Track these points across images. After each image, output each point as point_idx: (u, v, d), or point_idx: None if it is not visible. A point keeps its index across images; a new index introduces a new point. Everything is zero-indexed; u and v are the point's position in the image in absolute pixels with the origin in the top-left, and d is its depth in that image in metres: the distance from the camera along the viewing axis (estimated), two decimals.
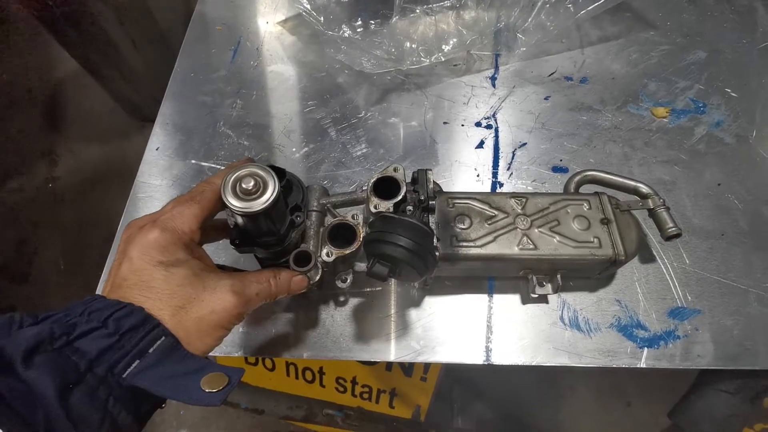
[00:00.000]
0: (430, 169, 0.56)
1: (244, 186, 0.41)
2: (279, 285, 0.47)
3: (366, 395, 1.23)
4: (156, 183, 0.72)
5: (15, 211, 2.01)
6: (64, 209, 2.02)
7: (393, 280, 0.62)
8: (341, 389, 1.23)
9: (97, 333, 0.34)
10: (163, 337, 0.36)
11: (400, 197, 0.50)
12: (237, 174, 0.42)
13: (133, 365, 0.34)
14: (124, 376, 0.33)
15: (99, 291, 0.62)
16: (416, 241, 0.46)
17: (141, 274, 0.38)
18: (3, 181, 2.08)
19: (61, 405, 0.30)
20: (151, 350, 0.35)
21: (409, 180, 0.57)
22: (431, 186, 0.55)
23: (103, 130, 2.17)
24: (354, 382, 1.18)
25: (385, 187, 0.51)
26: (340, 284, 0.55)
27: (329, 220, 0.55)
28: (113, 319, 0.35)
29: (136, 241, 0.40)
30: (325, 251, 0.51)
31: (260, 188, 0.42)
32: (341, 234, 0.53)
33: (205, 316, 0.39)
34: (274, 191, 0.42)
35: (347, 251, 0.51)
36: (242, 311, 0.42)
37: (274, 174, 0.43)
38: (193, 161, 0.74)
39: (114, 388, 0.33)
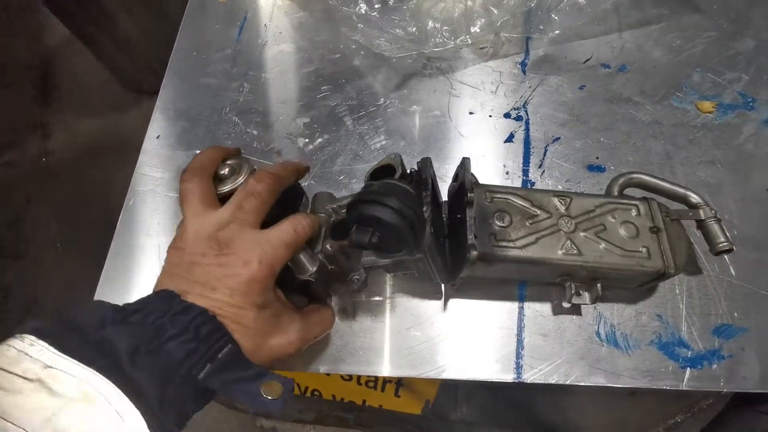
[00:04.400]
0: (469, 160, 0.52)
1: None
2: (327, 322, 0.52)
3: (371, 384, 1.22)
4: (157, 175, 0.67)
5: (8, 187, 1.95)
6: (59, 184, 1.95)
7: (420, 286, 0.58)
8: (346, 377, 1.21)
9: (183, 338, 0.36)
10: (230, 345, 0.39)
11: None
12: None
13: (206, 368, 0.37)
14: (200, 377, 0.37)
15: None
16: (401, 200, 0.43)
17: (235, 310, 0.40)
18: None
19: (158, 401, 0.34)
20: (219, 355, 0.38)
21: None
22: (458, 174, 0.52)
23: (98, 103, 2.08)
24: None
25: (383, 177, 0.49)
26: (353, 286, 0.51)
27: None
28: (194, 326, 0.37)
29: (238, 273, 0.40)
30: (327, 245, 0.50)
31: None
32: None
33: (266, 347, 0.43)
34: None
35: (346, 241, 0.48)
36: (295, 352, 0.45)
37: None
38: (197, 151, 0.68)
39: (191, 388, 0.37)
